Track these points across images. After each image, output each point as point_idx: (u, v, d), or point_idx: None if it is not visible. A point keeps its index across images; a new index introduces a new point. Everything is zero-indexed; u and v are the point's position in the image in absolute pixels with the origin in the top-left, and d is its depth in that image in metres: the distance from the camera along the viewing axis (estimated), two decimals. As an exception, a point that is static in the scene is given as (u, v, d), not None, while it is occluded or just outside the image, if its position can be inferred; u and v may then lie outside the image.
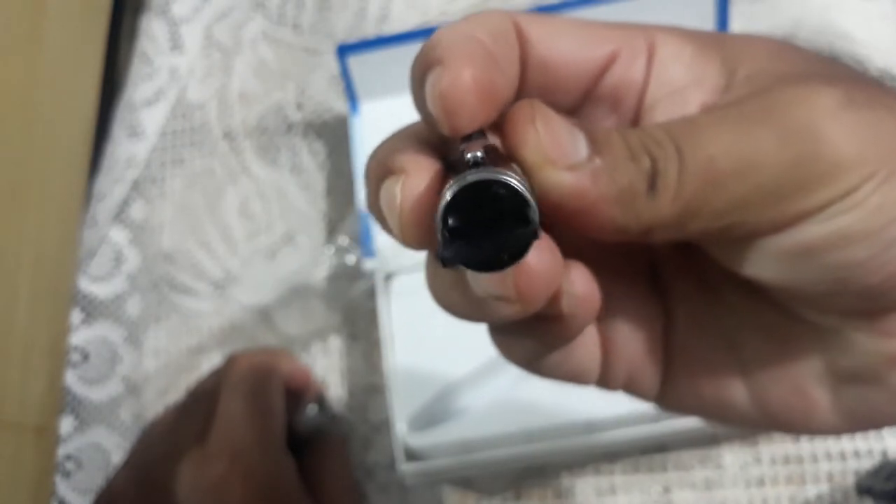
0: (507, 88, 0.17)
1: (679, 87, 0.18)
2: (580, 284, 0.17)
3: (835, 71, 0.17)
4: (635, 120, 0.19)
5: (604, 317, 0.20)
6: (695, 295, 0.20)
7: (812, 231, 0.16)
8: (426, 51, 0.16)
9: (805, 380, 0.19)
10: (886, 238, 0.15)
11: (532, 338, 0.19)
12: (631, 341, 0.21)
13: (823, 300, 0.17)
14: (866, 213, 0.15)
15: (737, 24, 0.45)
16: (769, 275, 0.17)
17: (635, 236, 0.16)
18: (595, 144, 0.16)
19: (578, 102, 0.19)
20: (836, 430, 0.19)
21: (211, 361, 0.44)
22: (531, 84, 0.18)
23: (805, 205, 0.15)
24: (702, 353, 0.21)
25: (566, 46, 0.18)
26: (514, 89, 0.18)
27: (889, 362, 0.18)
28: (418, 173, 0.16)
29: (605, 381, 0.21)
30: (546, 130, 0.15)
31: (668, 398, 0.22)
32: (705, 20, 0.43)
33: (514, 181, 0.13)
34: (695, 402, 0.21)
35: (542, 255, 0.15)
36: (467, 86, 0.15)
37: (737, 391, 0.20)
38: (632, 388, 0.22)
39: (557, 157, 0.15)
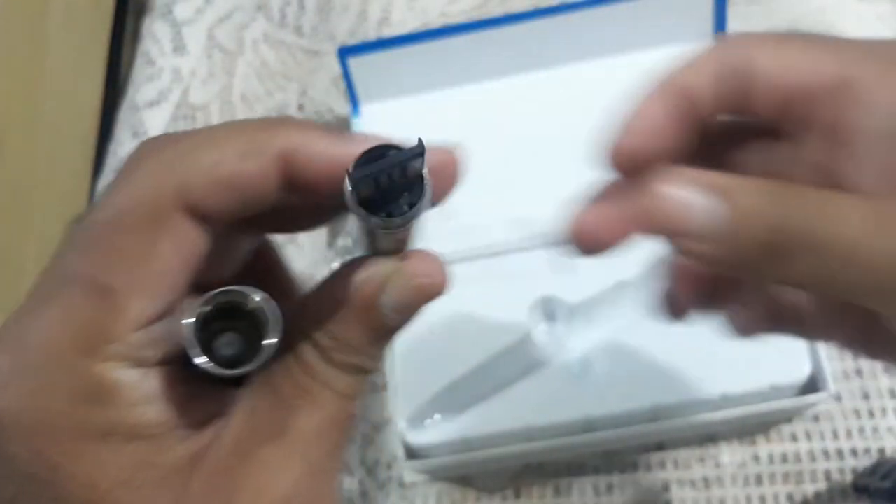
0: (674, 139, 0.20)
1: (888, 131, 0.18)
2: None
3: None
4: (845, 154, 0.19)
5: None
6: None
7: None
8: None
9: None
10: None
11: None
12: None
13: None
14: None
15: (734, 25, 0.45)
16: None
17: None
18: (733, 214, 0.17)
19: (801, 127, 0.20)
20: None
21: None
22: (761, 104, 0.20)
23: None
24: None
25: (793, 77, 0.19)
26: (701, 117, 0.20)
27: None
28: None
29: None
30: (674, 205, 0.18)
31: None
32: (703, 21, 0.43)
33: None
34: None
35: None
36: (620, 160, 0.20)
37: None
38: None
39: (685, 230, 0.18)
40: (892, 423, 0.38)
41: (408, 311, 0.18)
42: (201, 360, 0.15)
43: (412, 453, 0.38)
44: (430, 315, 0.39)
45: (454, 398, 0.38)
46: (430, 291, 0.18)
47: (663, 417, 0.36)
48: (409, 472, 0.39)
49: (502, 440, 0.37)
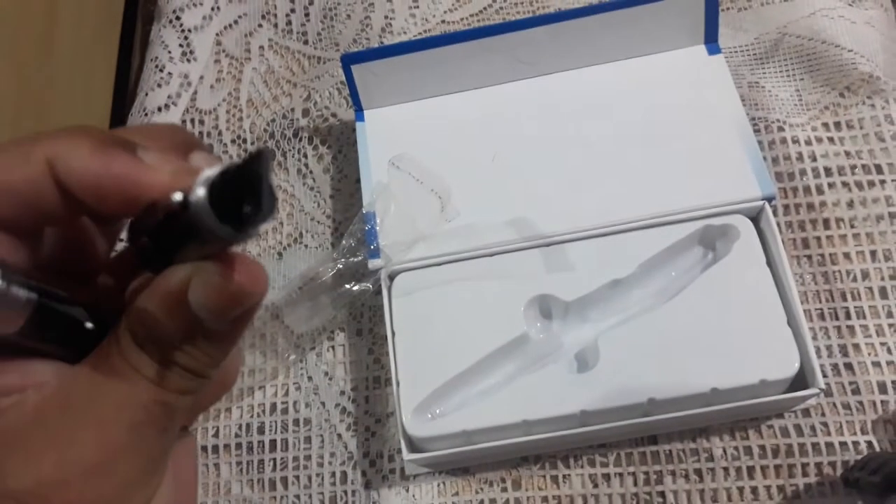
0: None
1: None
2: None
3: None
4: None
5: None
6: None
7: None
8: None
9: None
10: None
11: None
12: None
13: None
14: None
15: (725, 31, 0.46)
16: None
17: None
18: None
19: None
20: None
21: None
22: None
23: None
24: None
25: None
26: None
27: None
28: None
29: None
30: None
31: None
32: (695, 28, 0.44)
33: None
34: None
35: None
36: None
37: None
38: None
39: None
40: (881, 417, 0.39)
41: (219, 314, 0.17)
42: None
43: (414, 446, 0.39)
44: (431, 313, 0.40)
45: (455, 393, 0.39)
46: (238, 295, 0.17)
47: (656, 412, 0.37)
48: (410, 465, 0.40)
49: (501, 433, 0.38)
